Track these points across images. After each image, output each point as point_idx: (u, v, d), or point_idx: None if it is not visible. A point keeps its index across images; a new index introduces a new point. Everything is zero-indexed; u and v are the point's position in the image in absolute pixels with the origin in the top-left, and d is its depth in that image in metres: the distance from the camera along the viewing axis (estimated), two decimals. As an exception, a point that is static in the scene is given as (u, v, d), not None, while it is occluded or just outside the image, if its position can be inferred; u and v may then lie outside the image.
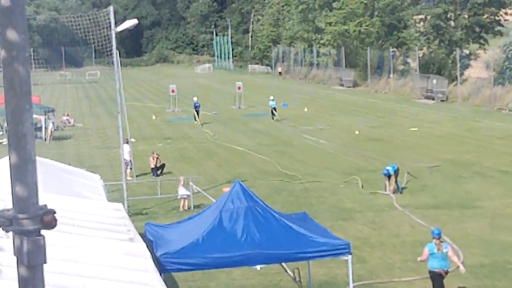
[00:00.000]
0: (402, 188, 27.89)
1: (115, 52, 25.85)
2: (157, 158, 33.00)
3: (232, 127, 49.66)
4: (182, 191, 26.26)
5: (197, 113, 52.75)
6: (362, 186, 28.87)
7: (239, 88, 61.27)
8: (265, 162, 35.28)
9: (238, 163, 35.29)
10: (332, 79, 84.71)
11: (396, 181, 27.65)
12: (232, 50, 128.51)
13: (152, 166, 32.90)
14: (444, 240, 18.62)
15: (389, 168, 27.99)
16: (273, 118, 52.33)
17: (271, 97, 54.52)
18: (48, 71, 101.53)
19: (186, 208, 26.06)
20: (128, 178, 30.71)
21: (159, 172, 32.85)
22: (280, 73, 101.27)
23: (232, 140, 43.09)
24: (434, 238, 17.36)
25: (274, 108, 53.10)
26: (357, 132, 44.24)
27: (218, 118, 54.97)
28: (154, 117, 56.36)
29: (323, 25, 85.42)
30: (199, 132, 46.95)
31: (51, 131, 44.91)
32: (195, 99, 55.15)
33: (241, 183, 19.60)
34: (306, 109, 57.73)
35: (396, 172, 27.76)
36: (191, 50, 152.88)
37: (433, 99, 61.58)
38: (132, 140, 39.25)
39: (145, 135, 46.67)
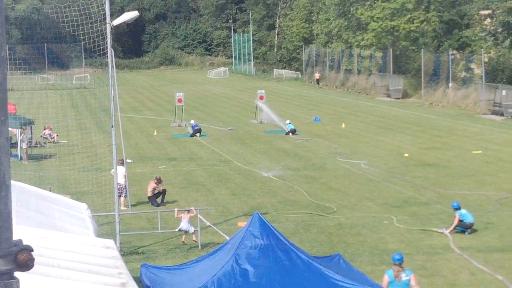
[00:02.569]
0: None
1: (110, 51, 26.14)
2: (157, 181, 33.17)
3: (251, 146, 49.84)
4: (184, 224, 26.37)
5: (195, 134, 54.38)
6: (392, 220, 28.88)
7: (261, 97, 61.60)
8: (291, 190, 35.38)
9: (257, 191, 35.42)
10: (376, 88, 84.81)
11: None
12: (254, 50, 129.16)
13: (149, 194, 33.09)
14: (405, 268, 18.86)
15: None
16: (288, 134, 53.73)
17: (287, 121, 55.59)
18: (27, 74, 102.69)
19: (185, 242, 26.26)
20: (122, 208, 30.91)
21: (159, 200, 33.04)
22: (317, 80, 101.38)
23: (251, 162, 43.24)
24: (394, 264, 18.11)
25: (292, 130, 54.05)
26: (406, 155, 44.21)
27: (234, 134, 55.21)
28: (155, 132, 56.77)
29: (365, 18, 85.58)
30: (210, 152, 47.21)
31: (26, 148, 45.23)
32: (192, 121, 56.37)
33: (261, 216, 19.76)
34: (343, 126, 57.86)
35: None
36: (203, 50, 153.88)
37: (502, 114, 61.41)
38: (128, 160, 39.47)
39: (144, 155, 46.99)
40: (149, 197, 33.15)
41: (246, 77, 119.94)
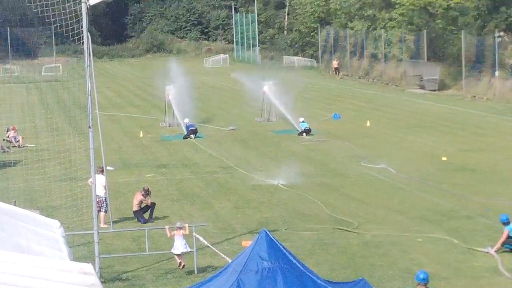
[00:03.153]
0: None
1: (86, 36, 26.16)
2: (145, 193, 33.17)
3: (257, 149, 49.86)
4: (178, 245, 26.23)
5: (189, 135, 54.39)
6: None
7: (267, 91, 61.59)
8: (305, 201, 35.35)
9: (265, 204, 35.39)
10: (407, 79, 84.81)
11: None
12: (260, 33, 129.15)
13: (135, 208, 33.03)
14: None
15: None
16: (301, 135, 53.85)
17: (301, 119, 55.43)
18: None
19: (181, 266, 26.23)
20: (102, 225, 30.92)
21: (147, 215, 32.99)
22: (336, 69, 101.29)
23: (257, 168, 43.24)
24: (418, 284, 18.91)
25: (307, 130, 54.04)
26: (444, 159, 44.19)
27: (236, 135, 55.26)
28: (142, 134, 56.79)
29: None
30: (208, 157, 47.23)
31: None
32: (186, 120, 56.17)
33: (269, 233, 19.76)
34: (368, 123, 57.84)
35: None
36: (199, 33, 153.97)
37: (559, 109, 61.33)
38: (110, 168, 39.48)
39: (129, 161, 47.00)
40: (134, 212, 33.12)
41: (250, 66, 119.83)
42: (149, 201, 33.28)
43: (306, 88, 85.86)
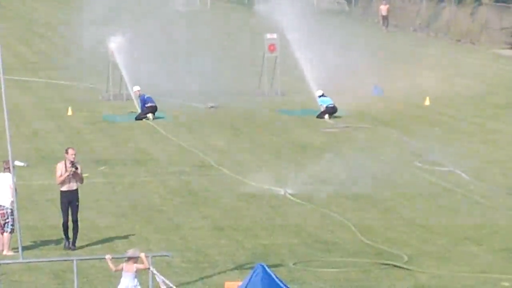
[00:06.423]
0: None
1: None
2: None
3: (250, 139, 49.93)
4: (128, 283, 26.13)
5: (145, 115, 55.08)
6: None
7: (271, 47, 61.53)
8: (327, 222, 35.40)
9: (263, 224, 35.41)
10: (489, 32, 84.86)
11: None
12: None
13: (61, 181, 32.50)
14: None
15: None
16: (322, 117, 54.59)
17: (319, 92, 55.51)
18: None
19: None
20: (6, 252, 31.00)
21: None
22: (383, 18, 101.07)
23: (251, 168, 43.29)
24: None
25: (330, 109, 54.63)
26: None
27: (220, 116, 55.22)
28: (70, 111, 56.67)
29: None
30: (175, 149, 47.19)
31: None
32: (136, 88, 56.44)
33: (269, 270, 19.84)
34: (427, 101, 57.82)
35: None
36: None
37: None
38: (19, 163, 39.52)
39: (49, 153, 46.89)
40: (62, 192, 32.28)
41: (240, 8, 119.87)
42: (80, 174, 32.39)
43: (334, 46, 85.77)
